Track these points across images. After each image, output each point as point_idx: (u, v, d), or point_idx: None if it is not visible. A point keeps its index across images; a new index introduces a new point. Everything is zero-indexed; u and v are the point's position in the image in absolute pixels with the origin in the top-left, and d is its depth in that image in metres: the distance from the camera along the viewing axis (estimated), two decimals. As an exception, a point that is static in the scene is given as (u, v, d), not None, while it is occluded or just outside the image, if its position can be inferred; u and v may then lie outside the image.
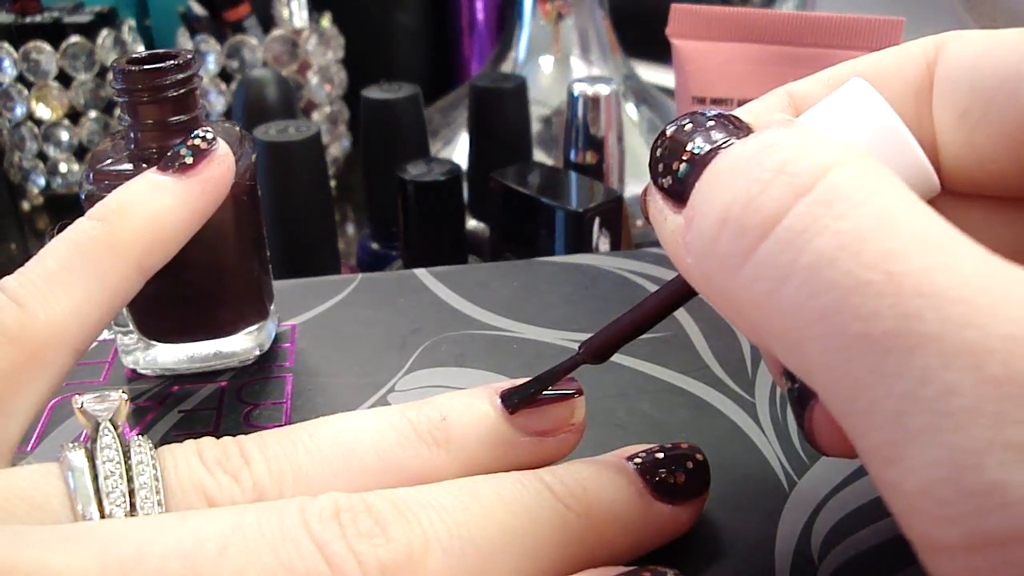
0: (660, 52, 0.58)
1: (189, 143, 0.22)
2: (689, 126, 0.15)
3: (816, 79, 0.18)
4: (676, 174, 0.15)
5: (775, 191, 0.13)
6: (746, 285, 0.13)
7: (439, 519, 0.16)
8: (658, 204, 0.15)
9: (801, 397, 0.16)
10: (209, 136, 0.22)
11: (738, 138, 0.14)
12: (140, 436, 0.17)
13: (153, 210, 0.21)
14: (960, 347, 0.11)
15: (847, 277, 0.12)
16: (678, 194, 0.15)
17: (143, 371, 0.26)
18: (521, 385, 0.19)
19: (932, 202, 0.13)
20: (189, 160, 0.22)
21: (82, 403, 0.17)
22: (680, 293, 0.17)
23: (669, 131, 0.15)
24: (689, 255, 0.15)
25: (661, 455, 0.18)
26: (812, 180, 0.13)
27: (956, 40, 0.17)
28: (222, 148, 0.22)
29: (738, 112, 0.16)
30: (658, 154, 0.15)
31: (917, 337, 0.11)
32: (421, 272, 0.31)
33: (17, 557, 0.13)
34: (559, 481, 0.17)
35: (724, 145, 0.14)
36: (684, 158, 0.15)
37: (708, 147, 0.15)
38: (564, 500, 0.17)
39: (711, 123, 0.15)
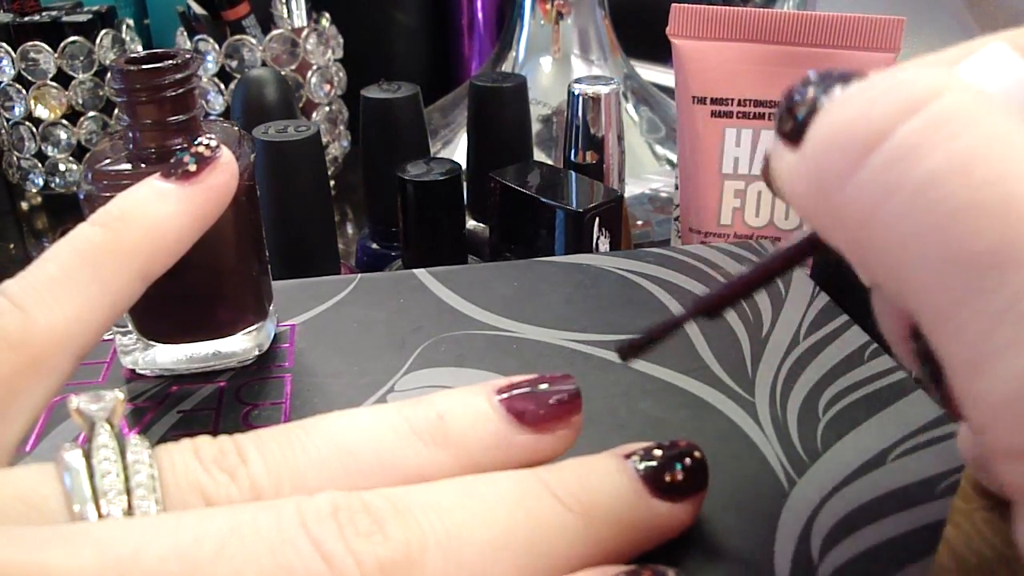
0: (660, 52, 0.58)
1: (193, 150, 0.22)
2: (816, 77, 0.15)
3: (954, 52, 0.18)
4: (796, 117, 0.15)
5: (885, 107, 0.13)
6: (852, 199, 0.13)
7: (437, 518, 0.16)
8: (778, 150, 0.16)
9: (936, 358, 0.16)
10: (213, 143, 0.22)
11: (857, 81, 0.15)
12: (137, 435, 0.17)
13: (156, 217, 0.21)
14: None
15: (955, 197, 0.12)
16: (797, 134, 0.15)
17: (142, 371, 0.26)
18: (635, 340, 0.19)
19: None
20: (193, 167, 0.22)
21: (78, 404, 0.17)
22: (799, 251, 0.17)
23: (795, 84, 0.16)
24: (800, 181, 0.15)
25: (659, 453, 0.18)
26: (924, 99, 0.13)
27: None
28: (226, 156, 0.22)
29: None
30: (785, 103, 0.16)
31: (1017, 257, 0.12)
32: (420, 272, 0.31)
33: (14, 558, 0.13)
34: (557, 479, 0.17)
35: (844, 87, 0.15)
36: (807, 102, 0.15)
37: (828, 92, 0.15)
38: (562, 498, 0.17)
39: (838, 75, 0.15)
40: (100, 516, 0.16)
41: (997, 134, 0.12)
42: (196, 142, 0.22)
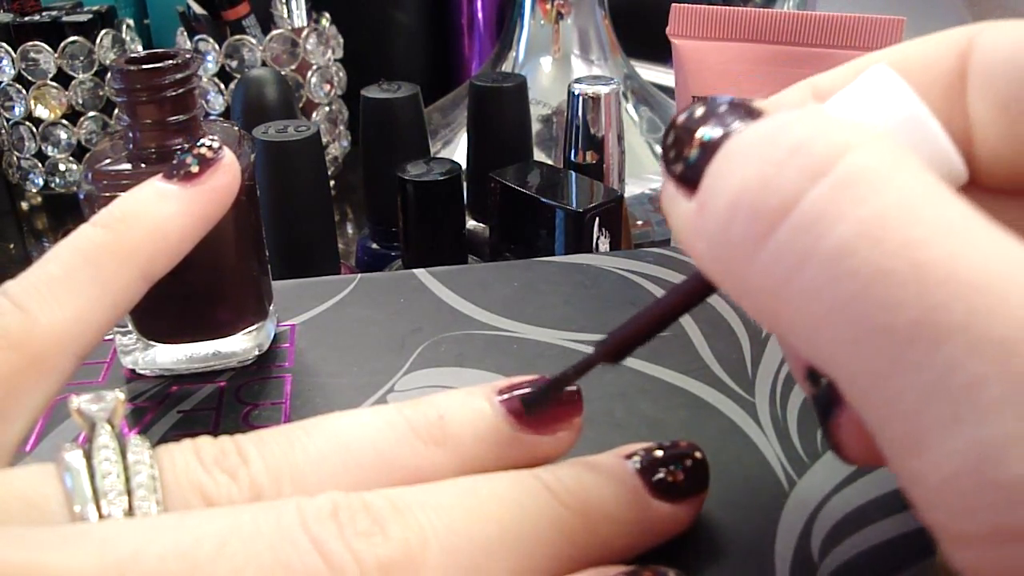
0: (660, 52, 0.58)
1: (195, 151, 0.22)
2: (701, 112, 0.15)
3: (841, 71, 0.17)
4: (687, 160, 0.14)
5: (790, 173, 0.12)
6: (761, 272, 0.13)
7: (437, 517, 0.16)
8: (670, 191, 0.15)
9: (827, 403, 0.16)
10: (215, 145, 0.22)
11: (752, 121, 0.14)
12: (137, 436, 0.17)
13: (158, 218, 0.21)
14: (987, 338, 0.11)
15: (868, 266, 0.11)
16: (690, 180, 0.14)
17: (142, 371, 0.26)
18: (536, 390, 0.19)
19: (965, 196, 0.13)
20: (195, 169, 0.22)
21: (78, 404, 0.17)
22: (698, 289, 0.17)
23: (680, 118, 0.15)
24: (701, 241, 0.14)
25: (660, 453, 0.18)
26: (829, 162, 0.12)
27: (991, 30, 0.16)
28: (228, 157, 0.22)
29: (757, 102, 0.15)
30: (670, 141, 0.15)
31: (943, 327, 0.11)
32: (420, 272, 0.31)
33: (14, 558, 0.13)
34: (557, 480, 0.17)
35: (736, 129, 0.14)
36: (696, 144, 0.14)
37: (720, 132, 0.14)
38: (562, 499, 0.17)
39: (723, 108, 0.15)
40: (101, 516, 0.16)
41: (908, 195, 0.12)
42: (198, 143, 0.22)
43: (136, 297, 0.21)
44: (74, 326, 0.19)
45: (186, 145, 0.23)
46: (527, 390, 0.19)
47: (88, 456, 0.16)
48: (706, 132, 0.14)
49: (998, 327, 0.11)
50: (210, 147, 0.22)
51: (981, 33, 0.16)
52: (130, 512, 0.16)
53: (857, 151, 0.12)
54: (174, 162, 0.22)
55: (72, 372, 0.19)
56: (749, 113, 0.14)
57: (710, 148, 0.14)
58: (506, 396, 0.19)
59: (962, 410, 0.11)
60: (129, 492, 0.16)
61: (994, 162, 0.16)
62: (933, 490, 0.11)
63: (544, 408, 0.18)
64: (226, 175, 0.22)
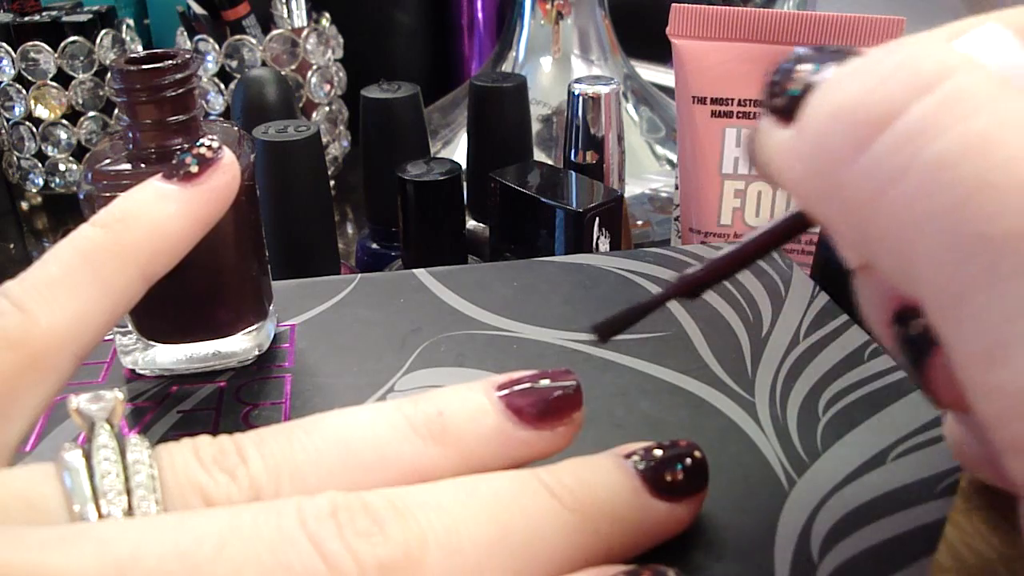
0: (660, 52, 0.58)
1: (194, 151, 0.22)
2: (807, 52, 0.15)
3: None
4: (789, 92, 0.15)
5: (894, 86, 0.13)
6: (858, 181, 0.13)
7: (436, 517, 0.16)
8: (765, 125, 0.15)
9: (922, 344, 0.15)
10: (215, 145, 0.22)
11: (854, 57, 0.14)
12: (137, 435, 0.17)
13: (157, 218, 0.21)
14: None
15: (971, 178, 0.12)
16: (789, 110, 0.15)
17: (142, 371, 0.26)
18: (613, 317, 0.19)
19: None
20: (194, 169, 0.22)
21: (78, 404, 0.17)
22: (783, 230, 0.17)
23: (787, 59, 0.15)
24: (797, 162, 0.14)
25: (659, 452, 0.18)
26: (935, 80, 0.12)
27: None
28: (228, 157, 0.22)
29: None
30: (775, 77, 0.15)
31: None
32: (420, 272, 0.31)
33: (13, 558, 0.13)
34: (556, 479, 0.17)
35: (842, 62, 0.14)
36: (798, 77, 0.15)
37: (824, 68, 0.14)
38: (561, 498, 0.17)
39: (831, 51, 0.15)
40: (100, 516, 0.16)
41: (1012, 115, 0.12)
42: (198, 143, 0.22)
43: (136, 297, 0.21)
44: (74, 326, 0.19)
45: (186, 145, 0.23)
46: (610, 316, 0.19)
47: (87, 455, 0.16)
48: (811, 67, 0.15)
49: None
50: (209, 147, 0.22)
51: None
52: (129, 511, 0.16)
53: (965, 73, 0.12)
54: (173, 162, 0.22)
55: (72, 372, 0.19)
56: (855, 52, 0.15)
57: (814, 80, 0.14)
58: (506, 392, 0.19)
59: None
60: (128, 491, 0.16)
61: None
62: (1010, 400, 0.11)
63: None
64: (225, 175, 0.22)
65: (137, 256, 0.20)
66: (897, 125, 0.12)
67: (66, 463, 0.16)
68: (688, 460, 0.18)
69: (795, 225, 0.17)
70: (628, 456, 0.18)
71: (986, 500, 0.18)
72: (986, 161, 0.12)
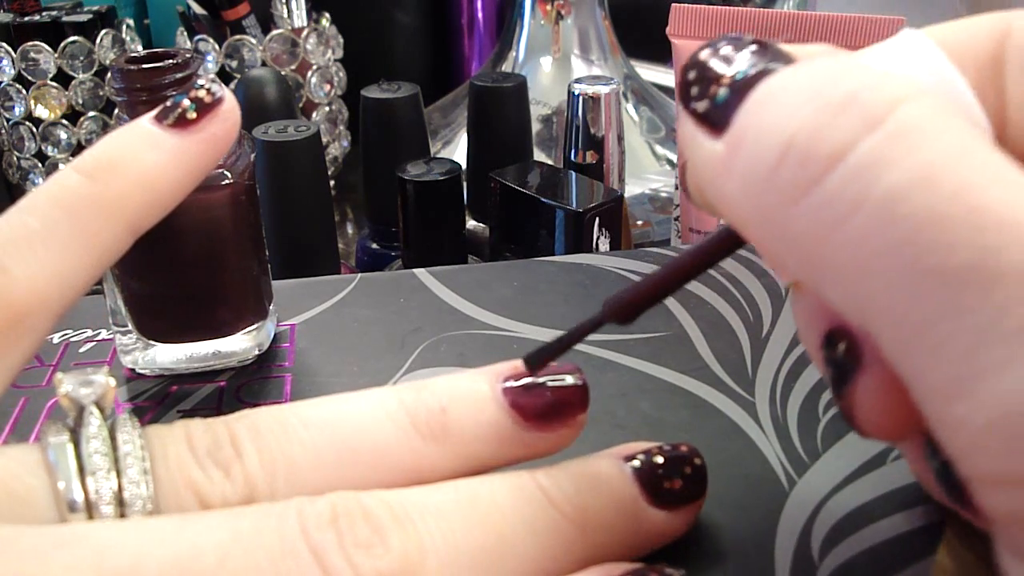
0: (660, 52, 0.58)
1: (193, 94, 0.20)
2: (727, 49, 0.14)
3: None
4: (714, 99, 0.14)
5: (845, 121, 0.12)
6: (807, 217, 0.13)
7: (436, 527, 0.15)
8: (689, 131, 0.15)
9: (846, 368, 0.15)
10: (215, 88, 0.20)
11: (784, 64, 0.14)
12: (127, 417, 0.16)
13: (146, 167, 0.19)
14: None
15: (922, 210, 0.12)
16: (715, 120, 0.14)
17: (142, 371, 0.26)
18: (543, 346, 0.18)
19: None
20: (192, 115, 0.20)
21: (67, 389, 0.16)
22: (716, 248, 0.16)
23: (703, 55, 0.15)
24: (732, 181, 0.14)
25: (660, 459, 0.18)
26: (883, 113, 0.12)
27: None
28: (228, 102, 0.20)
29: (783, 46, 0.15)
30: (691, 77, 0.15)
31: (996, 271, 0.11)
32: (420, 272, 0.31)
33: (6, 568, 0.13)
34: (556, 486, 0.17)
35: (772, 70, 0.14)
36: (724, 82, 0.14)
37: (754, 71, 0.14)
38: (560, 507, 0.17)
39: (752, 48, 0.14)
40: (90, 513, 0.15)
41: (959, 144, 0.12)
42: (197, 84, 0.20)
43: (122, 251, 0.19)
44: (55, 284, 0.18)
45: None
46: (542, 345, 0.18)
47: (75, 442, 0.16)
48: (737, 71, 0.14)
49: None
50: (209, 90, 0.20)
51: (1020, 17, 0.16)
52: (120, 507, 0.15)
53: (910, 103, 0.12)
54: (168, 104, 0.20)
55: (51, 330, 0.18)
56: (780, 56, 0.14)
57: (742, 88, 0.14)
58: (511, 384, 0.18)
59: (1014, 352, 0.11)
60: (120, 488, 0.15)
61: None
62: (976, 433, 0.11)
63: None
64: (225, 122, 0.20)
65: (124, 209, 0.19)
66: (848, 161, 0.12)
67: (54, 455, 0.15)
68: (687, 468, 0.18)
69: (726, 244, 0.16)
70: (628, 459, 0.18)
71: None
72: (936, 193, 0.11)
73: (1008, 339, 0.11)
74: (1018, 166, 0.12)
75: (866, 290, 0.12)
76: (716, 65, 0.14)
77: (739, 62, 0.14)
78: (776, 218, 0.13)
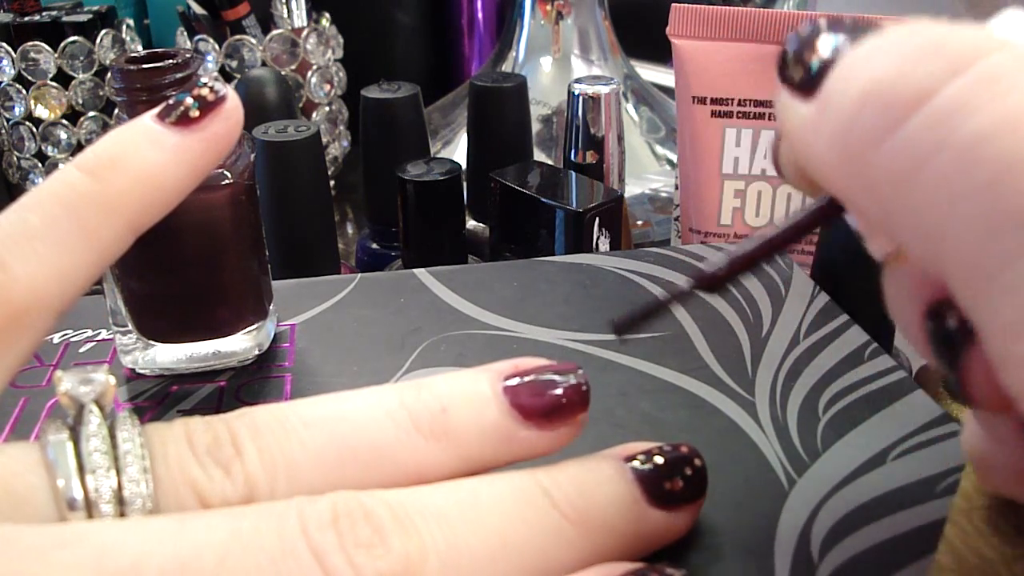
0: (660, 52, 0.58)
1: (196, 92, 0.20)
2: (824, 23, 0.15)
3: None
4: (809, 66, 0.15)
5: (931, 65, 0.13)
6: (888, 160, 0.13)
7: (437, 528, 0.15)
8: (784, 99, 0.15)
9: (956, 338, 0.15)
10: (218, 87, 0.20)
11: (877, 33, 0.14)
12: (127, 415, 0.16)
13: (149, 166, 0.19)
14: None
15: (1006, 155, 0.12)
16: (809, 85, 0.14)
17: (142, 371, 0.26)
18: (630, 314, 0.18)
19: None
20: (195, 113, 0.20)
21: (67, 387, 0.16)
22: (815, 217, 0.16)
23: (803, 29, 0.15)
24: (821, 138, 0.14)
25: (660, 460, 0.18)
26: (969, 60, 0.12)
27: None
28: (231, 101, 0.20)
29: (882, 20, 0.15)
30: (791, 48, 0.15)
31: None
32: (420, 272, 0.31)
33: (7, 568, 0.13)
34: (557, 487, 0.17)
35: (863, 38, 0.14)
36: (817, 52, 0.15)
37: (845, 42, 0.14)
38: (561, 508, 0.17)
39: (847, 21, 0.15)
40: (90, 512, 0.15)
41: None
42: (200, 83, 0.20)
43: (122, 249, 0.19)
44: (55, 283, 0.17)
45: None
46: (630, 312, 0.18)
47: (75, 442, 0.16)
48: (831, 40, 0.14)
49: None
50: (212, 88, 0.20)
51: None
52: (120, 506, 0.15)
53: (997, 53, 0.12)
54: (171, 102, 0.20)
55: (51, 328, 0.18)
56: (874, 26, 0.14)
57: (835, 54, 0.14)
58: (513, 383, 0.18)
59: None
60: (120, 487, 0.15)
61: None
62: None
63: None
64: (228, 121, 0.20)
65: (125, 207, 0.19)
66: (931, 104, 0.12)
67: (53, 454, 0.15)
68: (688, 469, 0.18)
69: (826, 211, 0.16)
70: (629, 459, 0.18)
71: (986, 500, 0.18)
72: (1021, 139, 0.12)
73: None
74: None
75: (944, 234, 0.12)
76: (812, 37, 0.15)
77: (831, 33, 0.15)
78: (859, 163, 0.13)
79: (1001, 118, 0.12)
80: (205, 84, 0.20)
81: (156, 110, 0.20)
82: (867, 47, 0.14)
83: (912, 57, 0.13)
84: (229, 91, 0.20)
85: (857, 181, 0.14)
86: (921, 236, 0.13)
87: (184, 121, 0.20)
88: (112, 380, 0.17)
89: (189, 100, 0.20)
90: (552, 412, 0.18)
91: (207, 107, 0.20)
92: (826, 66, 0.14)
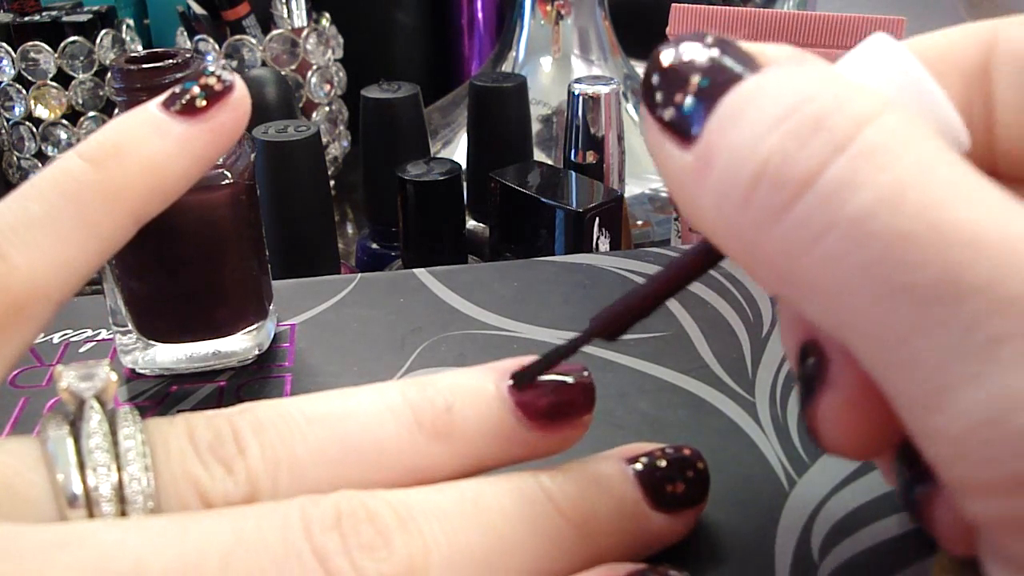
0: (660, 52, 0.58)
1: (203, 82, 0.19)
2: (690, 51, 0.14)
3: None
4: (680, 108, 0.14)
5: (814, 147, 0.13)
6: (781, 239, 0.13)
7: (440, 530, 0.15)
8: (656, 137, 0.15)
9: (810, 381, 0.16)
10: (225, 76, 0.20)
11: (750, 71, 0.14)
12: (128, 411, 0.16)
13: (153, 156, 0.19)
14: (1009, 296, 0.11)
15: (890, 229, 0.12)
16: (683, 130, 0.14)
17: (142, 371, 0.26)
18: (529, 365, 0.18)
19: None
20: (202, 103, 0.19)
21: (68, 383, 0.16)
22: (697, 262, 0.16)
23: (666, 58, 0.14)
24: (705, 196, 0.14)
25: (663, 463, 0.18)
26: (852, 134, 0.12)
27: (1018, 24, 0.16)
28: (239, 91, 0.20)
29: (746, 46, 0.15)
30: (656, 82, 0.14)
31: (965, 285, 0.11)
32: (420, 272, 0.31)
33: (8, 569, 0.13)
34: (560, 490, 0.17)
35: (737, 77, 0.14)
36: (690, 90, 0.14)
37: (720, 78, 0.14)
38: (564, 510, 0.17)
39: (714, 51, 0.14)
40: (91, 511, 0.15)
41: (925, 162, 0.12)
42: (207, 71, 0.20)
43: (125, 240, 0.19)
44: (56, 273, 0.17)
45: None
46: (529, 363, 0.18)
47: (76, 439, 0.16)
48: (701, 79, 0.14)
49: (1019, 286, 0.11)
50: (219, 78, 0.20)
51: (1008, 27, 0.16)
52: (122, 504, 0.15)
53: (876, 122, 0.13)
54: (177, 90, 0.19)
55: (52, 318, 0.18)
56: (745, 60, 0.14)
57: (709, 97, 0.14)
58: (517, 382, 0.18)
59: (985, 365, 0.11)
60: (121, 485, 0.15)
61: (1018, 153, 0.16)
62: (953, 443, 0.12)
63: (531, 382, 0.18)
64: (235, 111, 0.20)
65: (129, 197, 0.18)
66: (819, 185, 0.12)
67: (54, 450, 0.15)
68: (690, 472, 0.18)
69: (706, 258, 0.16)
70: (631, 461, 0.18)
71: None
72: (902, 212, 0.12)
73: (978, 353, 0.11)
74: (986, 177, 0.12)
75: (841, 307, 0.13)
76: (680, 69, 0.14)
77: (703, 66, 0.14)
78: (751, 239, 0.13)
79: (881, 193, 0.12)
80: (212, 73, 0.20)
81: (161, 97, 0.20)
82: (744, 100, 0.13)
83: (797, 133, 0.13)
84: (237, 81, 0.20)
85: (749, 252, 0.14)
86: (819, 308, 0.13)
87: (190, 110, 0.19)
88: (113, 376, 0.17)
89: (196, 89, 0.19)
90: (557, 413, 0.18)
91: (214, 97, 0.19)
92: (700, 112, 0.14)
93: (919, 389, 0.12)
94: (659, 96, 0.14)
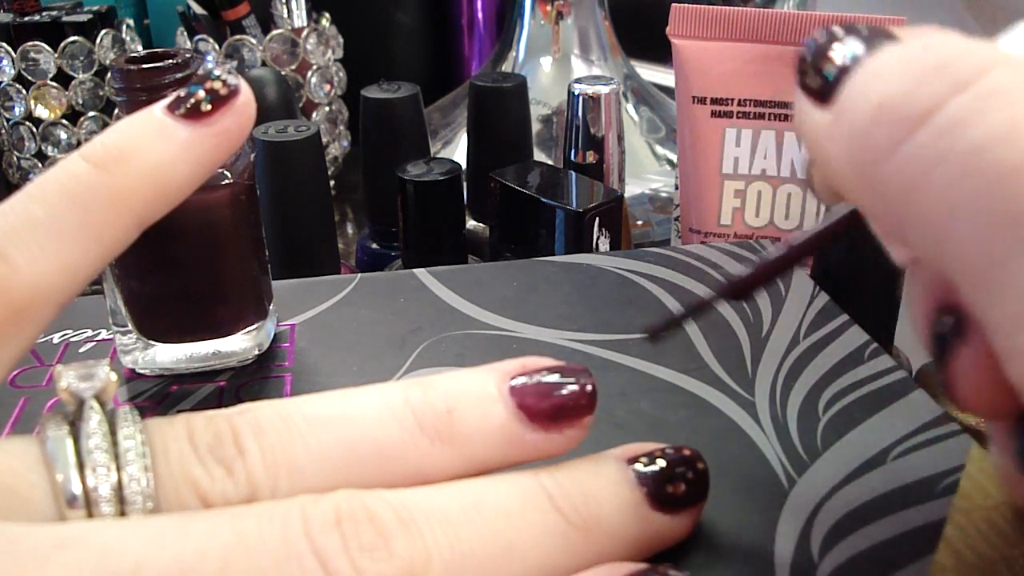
0: (660, 52, 0.58)
1: (208, 85, 0.19)
2: (840, 33, 0.16)
3: None
4: (825, 75, 0.16)
5: (935, 84, 0.14)
6: (899, 168, 0.14)
7: (441, 531, 0.15)
8: (803, 106, 0.16)
9: (947, 340, 0.16)
10: (231, 80, 0.20)
11: (888, 41, 0.15)
12: (128, 411, 0.16)
13: (158, 160, 0.19)
14: None
15: (1003, 162, 0.13)
16: (826, 93, 0.16)
17: (142, 371, 0.26)
18: (660, 321, 0.19)
19: None
20: (207, 107, 0.19)
21: (67, 383, 0.16)
22: (832, 230, 0.18)
23: (820, 38, 0.16)
24: (836, 145, 0.15)
25: (663, 463, 0.18)
26: (972, 77, 0.13)
27: None
28: (244, 95, 0.20)
29: (894, 29, 0.17)
30: (808, 58, 0.16)
31: None
32: (420, 272, 0.31)
33: (8, 569, 0.13)
34: (561, 490, 0.17)
35: (878, 47, 0.15)
36: (835, 60, 0.16)
37: (861, 49, 0.15)
38: (565, 512, 0.17)
39: (862, 31, 0.16)
40: (90, 514, 0.15)
41: None
42: (213, 75, 0.20)
43: (127, 243, 0.19)
44: (58, 276, 0.17)
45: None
46: (664, 318, 0.19)
47: (75, 439, 0.16)
48: (847, 51, 0.16)
49: None
50: (224, 82, 0.20)
51: None
52: (121, 505, 0.15)
53: (1000, 69, 0.13)
54: (182, 93, 0.19)
55: (53, 321, 0.18)
56: (887, 36, 0.16)
57: (850, 63, 0.15)
58: (520, 382, 0.18)
59: None
60: (120, 486, 0.15)
61: None
62: None
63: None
64: (240, 116, 0.20)
65: (131, 201, 0.18)
66: (935, 119, 0.13)
67: (52, 447, 0.15)
68: (691, 473, 0.18)
69: (849, 220, 0.17)
70: (632, 461, 0.18)
71: (986, 500, 0.18)
72: (1016, 146, 0.13)
73: None
74: None
75: (948, 236, 0.13)
76: (828, 43, 0.16)
77: (850, 43, 0.16)
78: (871, 173, 0.14)
79: (997, 129, 0.13)
80: (218, 77, 0.20)
81: (166, 101, 0.19)
82: (880, 61, 0.15)
83: (920, 76, 0.14)
84: (242, 85, 0.20)
85: (870, 188, 0.15)
86: (928, 239, 0.14)
87: (195, 114, 0.19)
88: (113, 375, 0.17)
89: (201, 93, 0.19)
90: (558, 414, 0.18)
91: (219, 101, 0.19)
92: (842, 75, 0.15)
93: (1011, 309, 0.13)
94: (809, 69, 0.16)
